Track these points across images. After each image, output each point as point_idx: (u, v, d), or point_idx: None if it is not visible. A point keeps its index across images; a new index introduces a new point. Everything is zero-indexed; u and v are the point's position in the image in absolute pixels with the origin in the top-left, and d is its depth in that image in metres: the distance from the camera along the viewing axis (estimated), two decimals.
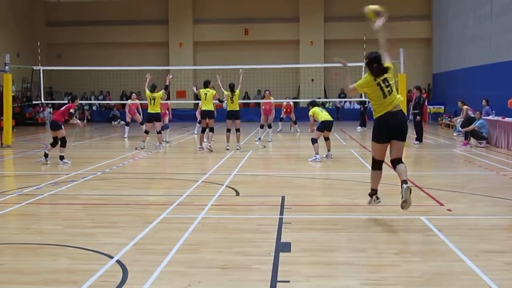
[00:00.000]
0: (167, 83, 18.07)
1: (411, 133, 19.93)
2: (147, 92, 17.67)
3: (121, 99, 34.15)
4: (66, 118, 14.10)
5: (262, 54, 34.31)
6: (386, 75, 7.49)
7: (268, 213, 8.30)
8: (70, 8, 36.58)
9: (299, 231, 7.17)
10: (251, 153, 16.39)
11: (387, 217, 7.95)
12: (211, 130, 16.98)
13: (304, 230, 7.21)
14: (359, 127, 26.18)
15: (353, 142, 19.95)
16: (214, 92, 17.04)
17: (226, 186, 10.50)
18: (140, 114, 21.92)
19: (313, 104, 15.19)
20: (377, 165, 7.83)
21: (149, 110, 17.59)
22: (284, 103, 24.00)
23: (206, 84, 17.02)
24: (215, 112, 17.32)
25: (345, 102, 34.02)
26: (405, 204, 7.28)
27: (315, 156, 14.10)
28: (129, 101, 22.63)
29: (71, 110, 14.31)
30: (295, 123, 24.04)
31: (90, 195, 9.73)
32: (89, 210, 8.55)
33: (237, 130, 17.08)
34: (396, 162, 7.75)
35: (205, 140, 17.21)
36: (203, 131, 17.25)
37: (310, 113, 14.63)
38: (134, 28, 36.07)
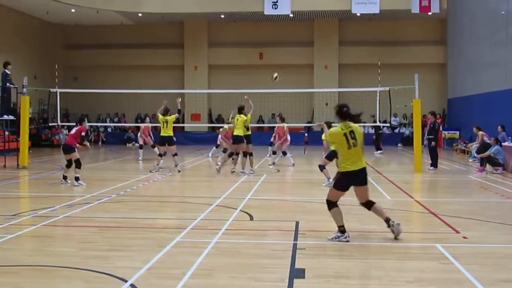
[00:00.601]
0: (179, 107, 18.22)
1: (426, 159, 19.90)
2: (160, 116, 17.77)
3: (136, 122, 34.37)
4: (78, 141, 14.35)
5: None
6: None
7: (282, 239, 8.28)
8: (87, 32, 37.03)
9: (313, 257, 7.14)
10: (265, 177, 16.39)
11: (401, 244, 7.89)
12: (250, 155, 17.07)
13: (318, 256, 7.18)
14: (378, 152, 26.10)
15: (367, 167, 19.84)
16: (245, 118, 17.07)
17: (240, 210, 10.50)
18: (151, 137, 22.09)
19: (328, 126, 14.74)
20: (335, 204, 8.20)
21: (162, 133, 17.77)
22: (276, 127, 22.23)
23: (241, 110, 17.08)
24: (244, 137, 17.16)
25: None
26: (398, 238, 7.87)
27: (327, 180, 13.94)
28: (143, 124, 22.79)
29: (83, 133, 14.63)
30: (284, 153, 21.02)
31: (104, 218, 9.77)
32: (103, 233, 8.58)
33: (250, 154, 17.05)
34: (368, 204, 8.19)
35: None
36: (230, 155, 17.29)
37: (324, 137, 14.28)
38: (149, 51, 36.40)
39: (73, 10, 32.16)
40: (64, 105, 31.11)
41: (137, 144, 22.10)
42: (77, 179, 14.01)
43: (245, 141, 16.86)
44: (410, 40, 34.83)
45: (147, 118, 22.89)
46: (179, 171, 17.46)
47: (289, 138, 20.41)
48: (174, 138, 18.04)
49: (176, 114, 18.01)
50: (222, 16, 34.23)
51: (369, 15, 32.17)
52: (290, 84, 32.25)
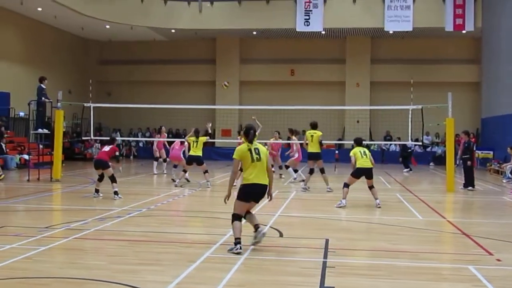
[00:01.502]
0: (209, 131, 19.06)
1: (459, 178, 19.64)
2: (192, 137, 18.03)
3: (168, 137, 34.63)
4: (110, 159, 14.78)
5: (308, 94, 34.49)
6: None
7: (311, 256, 8.23)
8: (120, 47, 37.59)
9: (342, 275, 7.08)
10: (294, 194, 16.35)
11: (433, 264, 7.78)
12: (322, 171, 17.31)
13: (347, 275, 7.12)
14: (405, 170, 25.89)
15: (398, 186, 19.71)
16: (320, 133, 17.26)
17: (270, 227, 10.46)
18: (165, 150, 22.31)
19: (358, 142, 14.40)
20: (239, 217, 8.59)
21: (191, 153, 17.97)
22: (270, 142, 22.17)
23: (315, 126, 17.31)
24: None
25: (390, 144, 33.74)
26: (257, 243, 8.62)
27: (340, 200, 13.60)
28: (156, 139, 22.81)
29: (116, 153, 15.08)
30: (280, 167, 21.77)
31: (135, 232, 9.83)
32: (134, 246, 8.63)
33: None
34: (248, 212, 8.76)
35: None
36: (311, 172, 17.29)
37: (351, 153, 14.11)
38: (181, 67, 36.76)
39: (107, 26, 32.71)
40: (97, 120, 31.50)
41: (168, 159, 22.16)
42: (116, 193, 14.33)
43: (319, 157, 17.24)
44: (443, 58, 34.55)
45: (162, 127, 23.02)
46: (208, 187, 17.52)
47: (296, 154, 20.79)
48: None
49: (207, 137, 18.50)
50: (254, 32, 34.43)
51: (402, 32, 32.08)
52: (321, 101, 32.31)
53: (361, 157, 13.75)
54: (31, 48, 31.00)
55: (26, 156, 23.70)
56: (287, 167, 20.77)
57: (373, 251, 8.69)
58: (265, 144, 21.10)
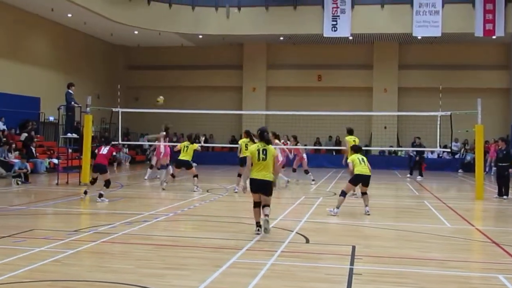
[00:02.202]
0: (202, 143, 20.24)
1: (488, 186, 19.36)
2: (184, 143, 18.43)
3: (194, 142, 34.83)
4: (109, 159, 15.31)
5: (335, 100, 34.36)
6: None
7: (338, 263, 8.19)
8: (148, 53, 37.90)
9: (369, 283, 7.03)
10: (321, 200, 16.29)
11: (461, 273, 7.69)
12: None
13: (374, 283, 7.06)
14: (419, 177, 25.67)
15: (426, 193, 19.52)
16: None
17: (296, 232, 10.45)
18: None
19: (356, 149, 14.14)
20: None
21: (180, 157, 18.21)
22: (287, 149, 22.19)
23: (352, 132, 17.42)
24: None
25: (415, 151, 33.38)
26: (266, 231, 10.01)
27: (332, 209, 13.16)
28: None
29: (114, 153, 15.69)
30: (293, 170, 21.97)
31: (161, 236, 9.89)
32: (160, 251, 8.67)
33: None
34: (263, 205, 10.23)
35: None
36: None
37: (350, 160, 13.81)
38: (208, 73, 36.90)
39: (136, 32, 33.01)
40: (125, 124, 31.79)
41: (195, 164, 22.11)
42: (101, 195, 14.70)
43: None
44: (473, 64, 34.15)
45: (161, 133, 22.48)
46: (195, 191, 17.67)
47: (304, 156, 21.43)
48: (194, 164, 18.86)
49: (199, 146, 18.94)
50: (281, 38, 34.44)
51: (430, 38, 31.79)
52: (348, 106, 32.20)
53: (360, 164, 13.49)
54: (61, 54, 31.43)
55: (55, 160, 23.98)
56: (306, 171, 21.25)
57: (401, 259, 8.60)
58: (291, 152, 21.27)
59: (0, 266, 7.32)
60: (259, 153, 10.18)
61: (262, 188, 10.08)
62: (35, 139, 26.07)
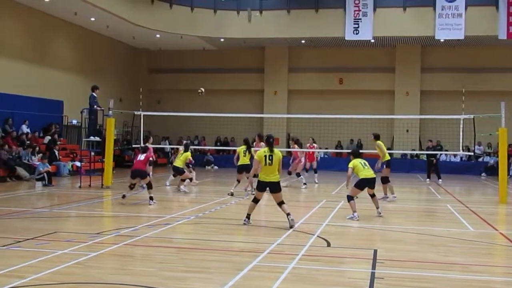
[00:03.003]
0: (192, 161, 20.67)
1: None
2: (183, 152, 19.07)
3: (215, 145, 35.00)
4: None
5: (356, 103, 34.24)
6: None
7: (359, 267, 8.15)
8: (170, 56, 38.08)
9: (391, 287, 6.98)
10: (342, 203, 16.22)
11: (485, 277, 7.61)
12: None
13: (396, 287, 7.01)
14: (427, 180, 25.51)
15: (449, 196, 19.35)
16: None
17: (317, 236, 10.42)
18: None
19: (355, 154, 13.87)
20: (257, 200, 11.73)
21: (174, 163, 19.32)
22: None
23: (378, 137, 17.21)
24: None
25: (440, 154, 33.15)
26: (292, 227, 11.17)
27: (352, 214, 12.98)
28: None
29: (151, 159, 15.77)
30: (315, 171, 23.13)
31: (183, 239, 9.93)
32: (181, 254, 8.70)
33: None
34: (280, 204, 11.57)
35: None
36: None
37: (351, 165, 13.49)
38: (230, 76, 36.99)
39: (158, 36, 33.21)
40: (147, 128, 32.00)
41: (216, 167, 22.10)
42: (151, 198, 14.74)
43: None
44: (496, 67, 33.80)
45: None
46: (185, 191, 18.26)
47: (302, 160, 21.48)
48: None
49: (191, 155, 19.62)
50: (303, 41, 34.42)
51: (453, 41, 31.54)
52: (370, 110, 32.03)
53: (363, 168, 13.35)
54: (83, 57, 31.73)
55: (78, 163, 24.20)
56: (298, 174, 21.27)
57: (423, 263, 8.51)
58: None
59: (23, 269, 7.40)
60: (265, 158, 11.34)
61: (271, 189, 11.39)
62: (58, 142, 26.33)
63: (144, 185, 16.03)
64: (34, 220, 12.02)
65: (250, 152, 17.95)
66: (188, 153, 19.12)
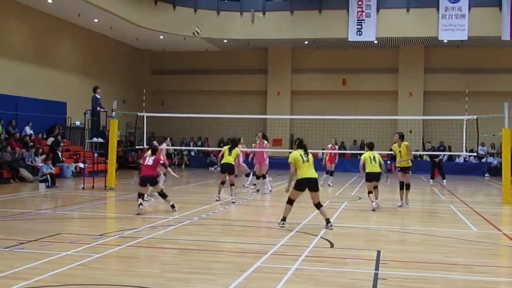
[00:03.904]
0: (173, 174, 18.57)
1: None
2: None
3: (219, 146, 34.97)
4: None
5: (360, 104, 34.25)
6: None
7: (362, 268, 8.15)
8: (173, 57, 38.14)
9: (395, 287, 6.98)
10: (346, 204, 16.23)
11: (488, 278, 7.60)
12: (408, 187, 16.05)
13: (400, 287, 7.02)
14: (431, 181, 25.54)
15: (452, 197, 19.32)
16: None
17: (321, 237, 10.42)
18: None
19: (370, 147, 15.38)
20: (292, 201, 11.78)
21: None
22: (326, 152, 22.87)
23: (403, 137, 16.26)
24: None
25: (443, 155, 33.11)
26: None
27: (371, 203, 14.66)
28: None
29: (161, 162, 14.64)
30: (331, 174, 22.51)
31: (186, 240, 9.93)
32: (185, 255, 8.71)
33: (231, 184, 16.16)
34: (317, 206, 11.74)
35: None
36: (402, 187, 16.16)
37: (362, 157, 15.04)
38: (233, 77, 37.04)
39: (161, 37, 33.26)
40: (150, 129, 32.02)
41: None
42: (173, 206, 13.51)
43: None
44: (499, 67, 33.77)
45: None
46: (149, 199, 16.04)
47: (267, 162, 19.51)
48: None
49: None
50: (306, 42, 34.42)
51: (456, 42, 31.52)
52: (374, 110, 32.02)
53: (370, 163, 14.75)
54: (87, 59, 31.78)
55: (81, 165, 24.23)
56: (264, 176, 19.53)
57: (426, 264, 8.50)
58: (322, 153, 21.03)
59: (27, 270, 7.41)
60: (302, 157, 11.59)
61: (314, 187, 11.55)
62: (62, 144, 26.38)
63: (155, 193, 14.60)
64: (38, 221, 12.04)
65: (234, 151, 16.19)
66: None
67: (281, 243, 9.74)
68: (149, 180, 13.80)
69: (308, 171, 11.51)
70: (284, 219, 11.58)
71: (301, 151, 11.70)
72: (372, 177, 14.75)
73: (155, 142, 16.00)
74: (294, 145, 12.25)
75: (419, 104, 34.47)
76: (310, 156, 11.74)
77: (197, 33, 20.72)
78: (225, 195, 16.44)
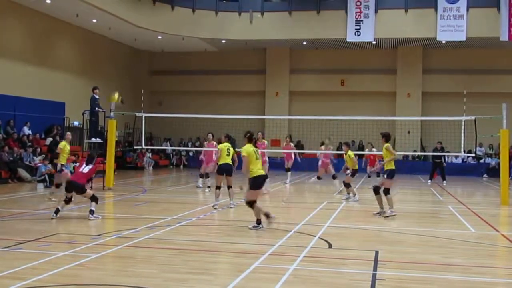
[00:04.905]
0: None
1: None
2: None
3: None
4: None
5: (358, 105, 34.27)
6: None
7: (361, 268, 8.15)
8: (172, 58, 38.14)
9: None
10: (344, 204, 16.23)
11: (486, 279, 7.61)
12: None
13: None
14: (429, 181, 25.58)
15: (450, 198, 19.34)
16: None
17: (319, 237, 10.42)
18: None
19: (388, 137, 14.21)
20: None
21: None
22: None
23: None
24: None
25: (444, 156, 33.11)
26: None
27: (390, 211, 13.58)
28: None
29: (93, 175, 13.51)
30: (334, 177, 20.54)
31: (185, 241, 9.93)
32: (183, 255, 8.70)
33: (229, 187, 15.18)
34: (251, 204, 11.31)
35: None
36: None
37: (388, 146, 13.91)
38: (231, 77, 37.05)
39: (160, 38, 33.27)
40: (148, 129, 32.06)
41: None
42: (91, 212, 12.44)
43: None
44: (497, 68, 33.81)
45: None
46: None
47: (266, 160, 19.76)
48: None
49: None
50: (304, 43, 34.44)
51: (455, 42, 31.55)
52: (372, 111, 32.04)
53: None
54: (85, 59, 31.77)
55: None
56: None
57: (424, 264, 8.52)
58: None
59: (25, 270, 7.41)
60: (255, 152, 11.33)
61: (262, 183, 11.43)
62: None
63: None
64: (36, 221, 12.03)
65: (232, 150, 15.12)
66: (63, 143, 16.18)
67: (279, 243, 9.74)
68: (74, 186, 12.59)
69: (261, 168, 11.36)
70: (259, 222, 11.19)
71: (252, 146, 11.46)
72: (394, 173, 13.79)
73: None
74: (244, 138, 11.67)
75: (417, 105, 34.50)
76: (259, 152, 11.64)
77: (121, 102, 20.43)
78: (221, 196, 16.39)
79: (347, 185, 17.54)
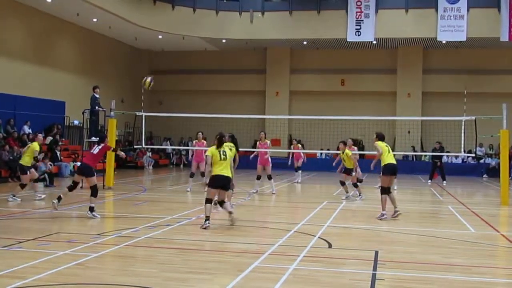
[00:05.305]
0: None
1: None
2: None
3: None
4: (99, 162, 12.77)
5: (358, 105, 34.27)
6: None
7: (360, 268, 8.15)
8: (172, 57, 38.13)
9: None
10: (344, 204, 16.23)
11: (486, 279, 7.60)
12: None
13: None
14: (429, 181, 25.61)
15: (450, 198, 19.34)
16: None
17: (319, 237, 10.42)
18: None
19: (381, 137, 13.80)
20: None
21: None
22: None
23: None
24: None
25: (442, 156, 33.11)
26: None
27: (393, 213, 13.30)
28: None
29: (111, 150, 13.80)
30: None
31: (184, 240, 9.93)
32: (183, 255, 8.70)
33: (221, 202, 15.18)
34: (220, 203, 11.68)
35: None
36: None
37: (378, 145, 13.47)
38: (232, 77, 37.04)
39: (160, 37, 33.25)
40: (149, 128, 32.02)
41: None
42: (91, 209, 12.53)
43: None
44: (498, 68, 33.80)
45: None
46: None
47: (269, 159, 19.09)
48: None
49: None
50: (305, 43, 34.42)
51: (455, 43, 31.54)
52: (372, 111, 32.04)
53: (388, 153, 13.46)
54: (86, 58, 31.77)
55: (79, 164, 24.14)
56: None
57: (424, 264, 8.51)
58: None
59: (25, 269, 7.41)
60: (219, 153, 11.51)
61: (225, 186, 11.49)
62: (60, 143, 26.35)
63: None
64: (36, 220, 12.04)
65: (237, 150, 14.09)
66: (35, 144, 15.87)
67: (279, 243, 9.74)
68: (84, 169, 12.84)
69: (224, 170, 11.39)
70: (207, 218, 11.15)
71: (223, 148, 11.59)
72: (392, 169, 13.34)
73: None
74: (215, 138, 11.89)
75: (418, 105, 34.50)
76: (230, 155, 11.76)
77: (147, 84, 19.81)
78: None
79: (355, 185, 17.80)
